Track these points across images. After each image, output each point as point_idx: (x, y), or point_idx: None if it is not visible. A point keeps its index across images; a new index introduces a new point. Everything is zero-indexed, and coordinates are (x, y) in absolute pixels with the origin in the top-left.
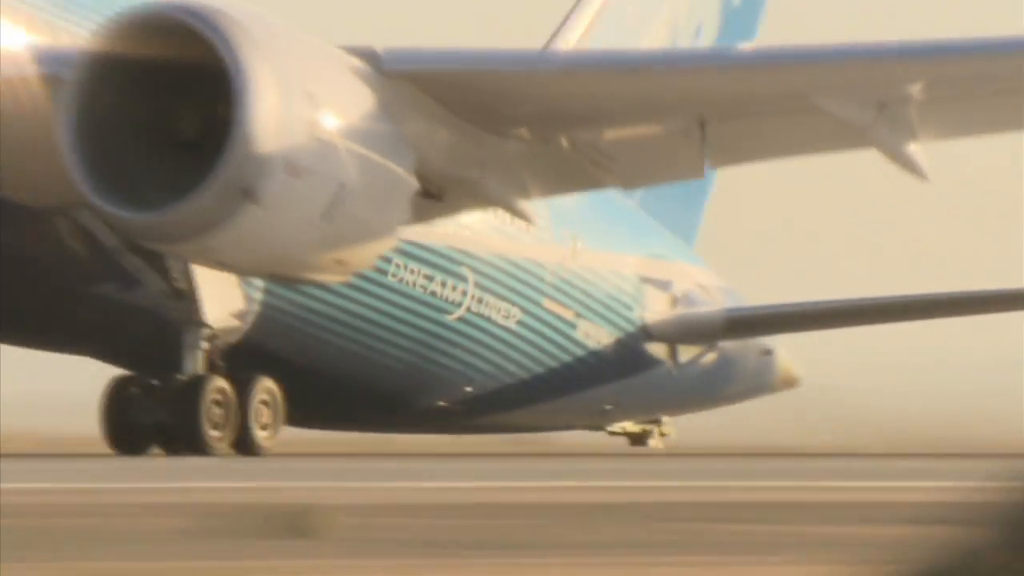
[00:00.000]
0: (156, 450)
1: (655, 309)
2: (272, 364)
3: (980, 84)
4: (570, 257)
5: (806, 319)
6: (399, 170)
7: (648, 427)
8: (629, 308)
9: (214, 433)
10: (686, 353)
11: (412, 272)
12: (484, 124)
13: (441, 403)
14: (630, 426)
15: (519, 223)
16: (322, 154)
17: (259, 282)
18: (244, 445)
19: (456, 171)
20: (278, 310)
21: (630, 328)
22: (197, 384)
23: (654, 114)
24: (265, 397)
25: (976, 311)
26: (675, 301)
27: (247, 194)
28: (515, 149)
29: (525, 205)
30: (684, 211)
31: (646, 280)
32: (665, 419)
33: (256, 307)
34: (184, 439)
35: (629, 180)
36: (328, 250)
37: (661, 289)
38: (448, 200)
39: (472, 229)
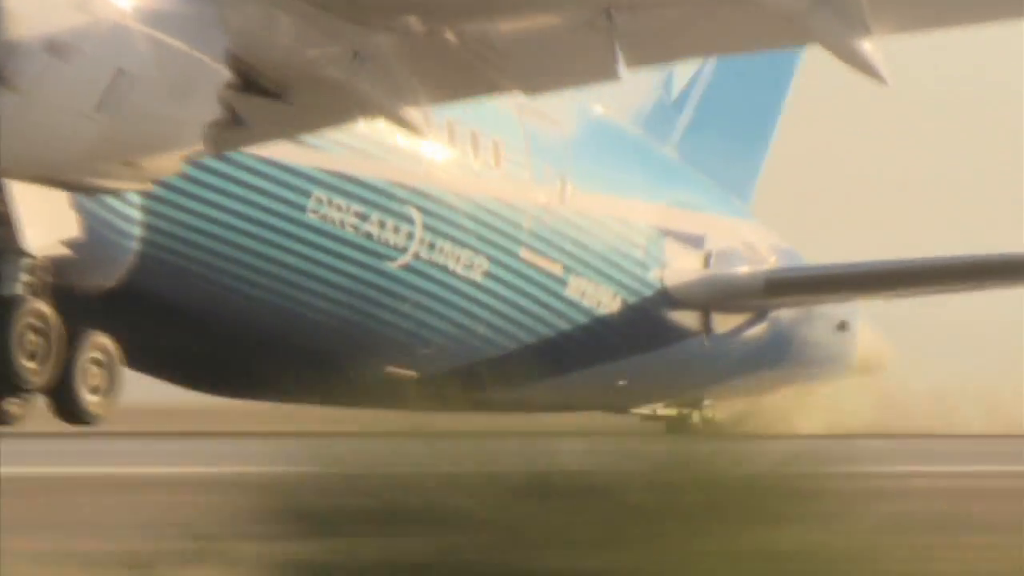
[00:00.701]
0: None
1: (680, 268)
2: (164, 317)
3: None
4: (558, 200)
5: (869, 281)
6: (203, 57)
7: (686, 410)
8: (642, 265)
9: (28, 364)
10: (725, 323)
11: (339, 209)
12: (343, 12)
13: (396, 370)
14: (661, 409)
15: (486, 157)
16: (95, 33)
17: (138, 214)
18: (68, 405)
19: (306, 68)
20: (166, 250)
21: (644, 289)
22: (9, 304)
23: None
24: (97, 355)
25: None
26: (709, 259)
27: None
28: (388, 44)
29: (410, 113)
30: (735, 160)
31: (669, 233)
32: (708, 401)
33: (135, 245)
34: None
35: (531, 83)
36: (111, 149)
37: (690, 245)
38: (300, 102)
39: (421, 161)
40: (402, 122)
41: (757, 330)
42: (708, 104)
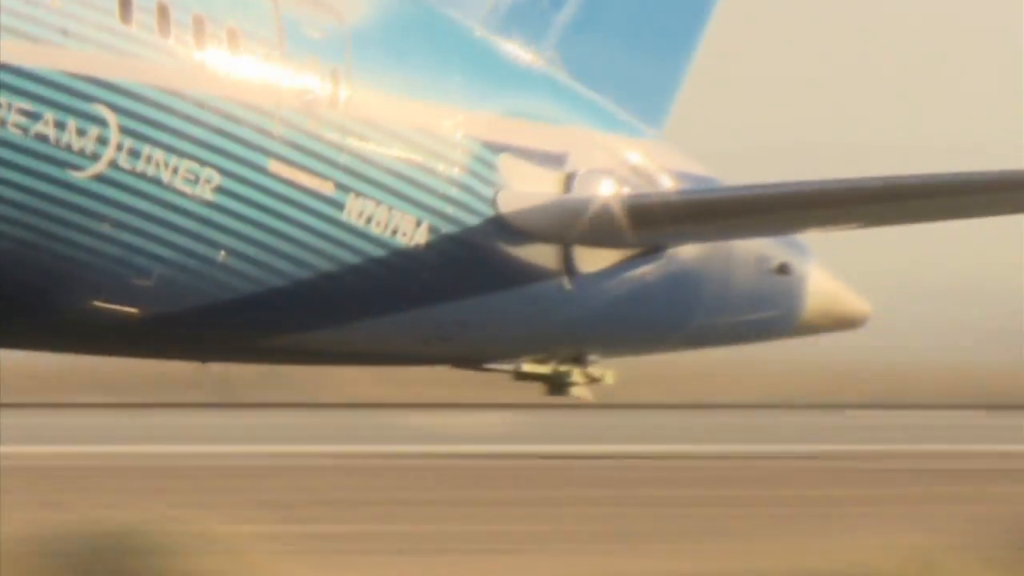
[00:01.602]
0: None
1: (525, 191)
2: None
3: None
4: (327, 103)
5: (782, 208)
6: None
7: (565, 368)
8: (461, 186)
9: None
10: (595, 261)
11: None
12: None
13: (106, 305)
14: (532, 367)
15: (215, 46)
16: None
17: None
18: None
19: None
20: None
21: (465, 216)
22: None
23: None
24: None
25: None
26: (571, 182)
27: None
28: None
29: None
30: (638, 71)
31: (506, 149)
32: (594, 358)
33: None
34: None
35: None
36: None
37: (541, 163)
38: None
39: (116, 50)
40: None
41: (645, 271)
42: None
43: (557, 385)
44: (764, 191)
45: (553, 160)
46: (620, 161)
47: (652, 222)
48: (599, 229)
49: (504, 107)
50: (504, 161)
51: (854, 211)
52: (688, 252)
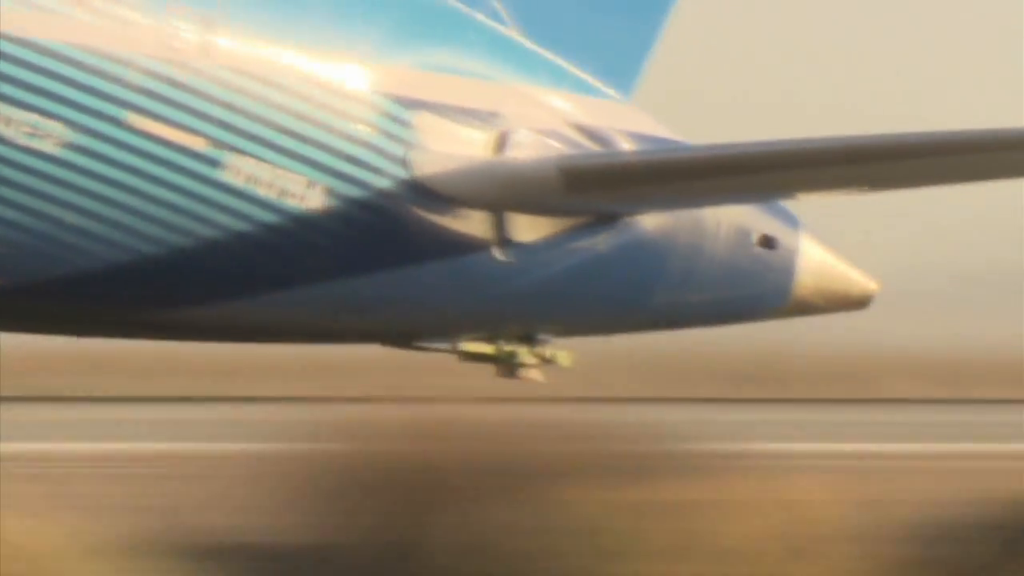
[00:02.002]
0: None
1: (447, 152)
2: None
3: None
4: (199, 52)
5: (737, 172)
6: None
7: (511, 348)
8: (366, 145)
9: None
10: (534, 230)
11: None
12: None
13: None
14: (473, 346)
15: None
16: None
17: None
18: None
19: None
20: None
21: (372, 178)
22: None
23: None
24: None
25: None
26: (504, 143)
27: None
28: None
29: None
30: (599, 23)
31: (423, 105)
32: (544, 337)
33: None
34: None
35: None
36: None
37: (467, 122)
38: None
39: None
40: None
41: (594, 241)
42: None
43: (506, 366)
44: (719, 152)
45: (482, 118)
46: (565, 121)
47: (592, 187)
48: (532, 194)
49: (424, 60)
50: (421, 119)
51: (826, 173)
52: (648, 222)
